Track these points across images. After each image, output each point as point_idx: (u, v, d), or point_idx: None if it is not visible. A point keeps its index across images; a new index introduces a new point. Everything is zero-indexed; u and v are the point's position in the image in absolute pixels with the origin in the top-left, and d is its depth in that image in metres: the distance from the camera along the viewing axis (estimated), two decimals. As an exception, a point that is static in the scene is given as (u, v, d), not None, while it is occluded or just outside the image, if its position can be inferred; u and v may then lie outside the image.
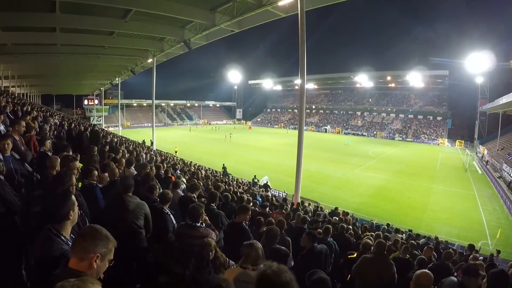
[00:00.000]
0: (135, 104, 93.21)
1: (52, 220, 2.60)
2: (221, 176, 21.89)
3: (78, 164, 4.79)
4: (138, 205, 4.33)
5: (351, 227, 10.32)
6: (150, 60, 31.44)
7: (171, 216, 4.71)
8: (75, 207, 2.70)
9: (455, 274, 5.59)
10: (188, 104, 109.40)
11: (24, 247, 3.13)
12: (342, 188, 26.59)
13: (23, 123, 5.90)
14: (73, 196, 2.77)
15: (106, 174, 5.48)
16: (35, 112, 12.14)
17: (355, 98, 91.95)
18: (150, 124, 59.92)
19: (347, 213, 14.77)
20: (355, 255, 5.91)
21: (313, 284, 3.11)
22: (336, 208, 15.36)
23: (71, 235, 2.57)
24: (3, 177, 3.72)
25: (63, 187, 3.46)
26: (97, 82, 55.07)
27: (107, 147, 9.68)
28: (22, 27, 18.96)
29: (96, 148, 8.04)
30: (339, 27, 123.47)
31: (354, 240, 8.56)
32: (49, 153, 5.60)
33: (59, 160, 4.47)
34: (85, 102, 79.11)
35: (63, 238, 2.49)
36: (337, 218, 12.31)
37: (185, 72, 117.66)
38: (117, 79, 47.87)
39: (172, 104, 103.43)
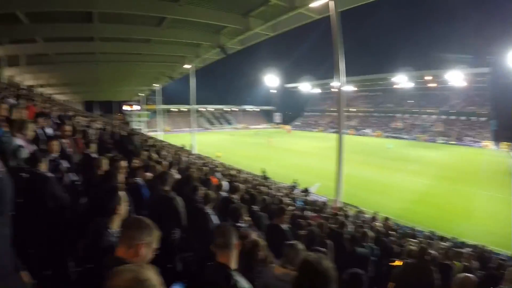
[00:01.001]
0: (174, 109, 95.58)
1: (100, 214, 2.85)
2: (261, 179, 21.93)
3: (125, 164, 5.10)
4: (179, 201, 4.58)
5: (394, 233, 10.04)
6: (187, 66, 31.92)
7: (213, 216, 4.78)
8: (123, 202, 2.92)
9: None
10: (227, 109, 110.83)
11: (73, 240, 3.33)
12: (383, 193, 25.78)
13: (69, 127, 6.41)
14: (120, 192, 3.00)
15: (150, 174, 5.74)
16: (79, 117, 12.76)
17: (395, 99, 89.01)
18: (189, 129, 61.03)
19: (388, 219, 14.34)
20: (400, 262, 5.76)
21: (349, 277, 3.14)
22: (377, 214, 14.94)
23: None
24: (53, 176, 4.02)
25: (110, 185, 3.72)
26: (136, 88, 56.86)
27: (150, 150, 9.98)
28: (62, 38, 20.15)
29: (140, 150, 8.33)
30: (377, 27, 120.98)
31: (395, 246, 8.32)
32: (94, 155, 5.96)
33: (105, 160, 4.80)
34: (125, 107, 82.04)
35: (111, 231, 2.68)
36: (378, 224, 12.00)
37: (223, 77, 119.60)
38: (156, 85, 49.12)
39: (210, 109, 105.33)
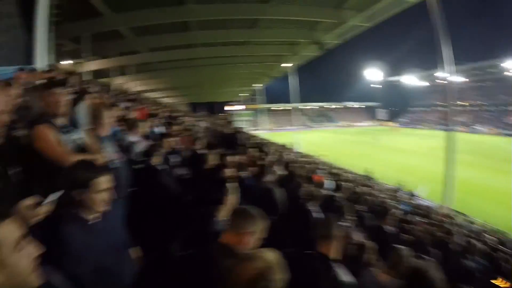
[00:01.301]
0: (276, 108, 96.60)
1: (208, 204, 3.02)
2: (364, 179, 21.20)
3: (231, 159, 5.36)
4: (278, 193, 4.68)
5: (506, 249, 8.85)
6: (285, 65, 32.19)
7: (315, 214, 4.71)
8: (231, 193, 3.04)
9: None
10: (329, 106, 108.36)
11: (180, 227, 3.56)
12: (501, 202, 21.56)
13: (178, 126, 6.87)
14: (229, 184, 3.19)
15: (256, 168, 5.89)
16: (186, 117, 13.73)
17: (509, 90, 71.77)
18: (291, 127, 61.47)
19: (501, 232, 12.68)
20: (506, 284, 5.16)
21: None
22: (488, 225, 13.23)
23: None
24: (164, 168, 4.40)
25: (218, 177, 4.07)
26: (237, 89, 58.88)
27: (253, 147, 10.31)
28: (163, 47, 22.42)
29: (244, 147, 8.87)
30: (483, 9, 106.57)
31: (505, 265, 7.24)
32: (202, 151, 6.20)
33: (212, 156, 5.08)
34: (228, 108, 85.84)
35: (218, 219, 2.80)
36: (488, 236, 10.65)
37: (324, 74, 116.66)
38: (256, 85, 50.33)
39: (312, 107, 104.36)
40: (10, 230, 1.07)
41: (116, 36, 19.71)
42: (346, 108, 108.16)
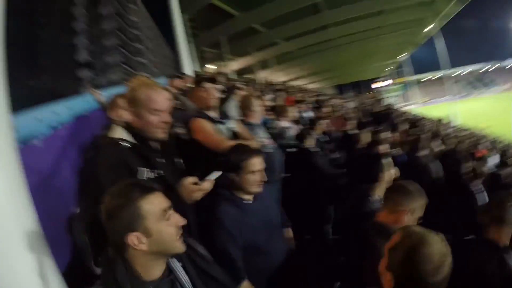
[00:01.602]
0: (426, 79, 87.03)
1: (362, 182, 2.96)
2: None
3: (385, 136, 5.21)
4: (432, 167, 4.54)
5: None
6: (427, 28, 29.24)
7: (481, 194, 4.23)
8: (386, 169, 2.90)
9: None
10: (486, 69, 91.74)
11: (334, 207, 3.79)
12: None
13: (327, 109, 7.42)
14: (384, 160, 3.09)
15: (409, 145, 5.54)
16: (334, 100, 13.67)
17: None
18: (445, 98, 54.96)
19: None
20: None
21: None
22: None
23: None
24: (318, 150, 4.59)
25: (373, 153, 4.11)
26: (380, 63, 55.57)
27: (405, 123, 9.75)
28: (298, 34, 22.62)
29: (396, 124, 8.53)
30: None
31: None
32: (354, 131, 6.30)
33: (365, 134, 5.12)
34: (375, 85, 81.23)
35: (373, 198, 2.71)
36: None
37: (473, 31, 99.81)
38: (401, 56, 46.82)
39: (466, 71, 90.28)
40: (156, 201, 1.27)
41: (251, 33, 21.22)
42: (508, 68, 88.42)
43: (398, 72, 78.45)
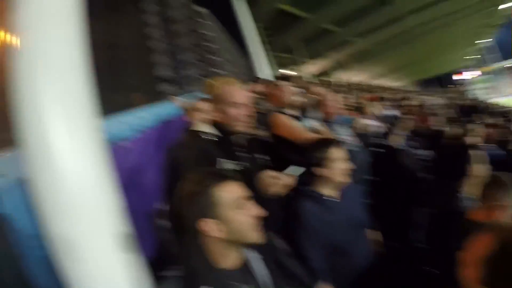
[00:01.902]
0: None
1: (451, 178, 2.86)
2: None
3: (476, 127, 5.13)
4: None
5: None
6: (504, 6, 27.23)
7: None
8: (476, 162, 2.84)
9: None
10: None
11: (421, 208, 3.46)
12: None
13: (411, 106, 7.45)
14: (473, 152, 3.03)
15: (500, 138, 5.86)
16: (416, 96, 13.16)
17: None
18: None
19: None
20: None
21: None
22: None
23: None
24: (404, 148, 4.40)
25: (460, 145, 3.95)
26: (460, 52, 51.70)
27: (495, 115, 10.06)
28: (369, 29, 22.00)
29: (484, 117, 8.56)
30: None
31: None
32: (441, 128, 6.03)
33: (452, 130, 5.02)
34: (456, 77, 74.63)
35: (462, 195, 2.60)
36: None
37: None
38: (480, 41, 42.95)
39: None
40: (232, 189, 1.25)
41: (323, 34, 21.04)
42: None
43: (481, 60, 70.90)
